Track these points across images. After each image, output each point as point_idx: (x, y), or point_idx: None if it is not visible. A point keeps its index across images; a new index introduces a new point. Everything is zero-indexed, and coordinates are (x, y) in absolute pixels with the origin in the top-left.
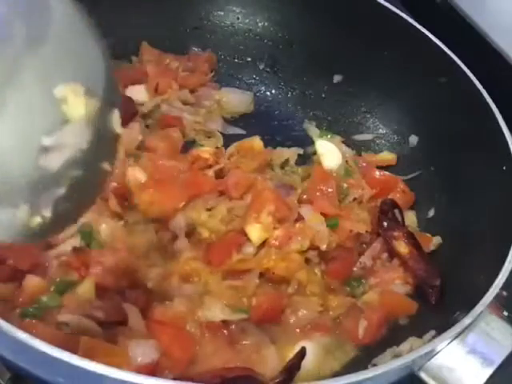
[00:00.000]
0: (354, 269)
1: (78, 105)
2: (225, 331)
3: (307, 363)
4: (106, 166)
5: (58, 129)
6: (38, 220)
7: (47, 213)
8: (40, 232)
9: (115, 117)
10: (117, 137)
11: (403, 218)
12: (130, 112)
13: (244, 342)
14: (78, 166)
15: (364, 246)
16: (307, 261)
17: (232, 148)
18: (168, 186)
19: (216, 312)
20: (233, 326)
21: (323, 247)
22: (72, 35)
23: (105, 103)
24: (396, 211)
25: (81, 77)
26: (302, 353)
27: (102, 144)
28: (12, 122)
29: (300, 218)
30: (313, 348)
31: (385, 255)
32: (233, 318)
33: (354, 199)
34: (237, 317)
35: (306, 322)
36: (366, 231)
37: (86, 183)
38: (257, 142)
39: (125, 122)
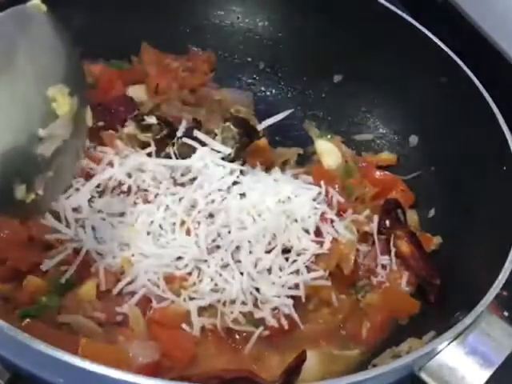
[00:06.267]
0: None
1: (64, 103)
2: (228, 340)
3: (311, 369)
4: (80, 152)
5: (50, 123)
6: (32, 197)
7: (40, 191)
8: (32, 207)
9: (88, 112)
10: (87, 128)
11: (405, 218)
12: (131, 112)
13: (247, 349)
14: (62, 153)
15: (365, 245)
16: None
17: None
18: None
19: (224, 319)
20: (236, 336)
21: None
22: (53, 48)
23: (81, 101)
24: (399, 211)
25: (64, 80)
26: (302, 357)
27: (79, 134)
28: (17, 116)
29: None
30: (317, 355)
31: (386, 255)
32: (243, 328)
33: (356, 198)
34: (247, 329)
35: (313, 333)
36: (367, 231)
37: (66, 167)
38: (262, 140)
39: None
